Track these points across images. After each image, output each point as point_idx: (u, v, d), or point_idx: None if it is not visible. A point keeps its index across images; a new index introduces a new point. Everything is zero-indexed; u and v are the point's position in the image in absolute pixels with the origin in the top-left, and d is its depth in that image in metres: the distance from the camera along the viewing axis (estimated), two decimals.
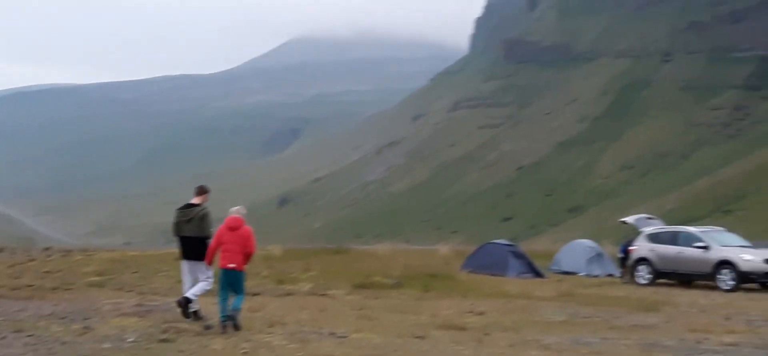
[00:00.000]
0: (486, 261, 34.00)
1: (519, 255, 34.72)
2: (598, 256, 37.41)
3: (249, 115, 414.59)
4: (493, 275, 31.81)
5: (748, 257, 29.11)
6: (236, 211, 15.53)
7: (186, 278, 16.41)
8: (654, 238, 31.98)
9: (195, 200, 16.27)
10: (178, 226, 16.27)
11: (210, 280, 16.18)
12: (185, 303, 15.98)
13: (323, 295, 22.62)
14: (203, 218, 15.98)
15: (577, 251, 38.02)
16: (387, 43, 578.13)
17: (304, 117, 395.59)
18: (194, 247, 15.98)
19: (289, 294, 22.51)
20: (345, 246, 44.55)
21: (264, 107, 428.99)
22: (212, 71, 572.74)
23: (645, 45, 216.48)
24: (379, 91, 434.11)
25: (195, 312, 16.13)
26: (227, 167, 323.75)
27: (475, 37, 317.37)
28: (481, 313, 19.60)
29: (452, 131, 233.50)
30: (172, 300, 19.64)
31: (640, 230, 33.35)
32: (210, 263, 15.64)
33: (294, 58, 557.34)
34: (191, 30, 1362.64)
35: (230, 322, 15.19)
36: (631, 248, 32.66)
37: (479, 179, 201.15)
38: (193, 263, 16.18)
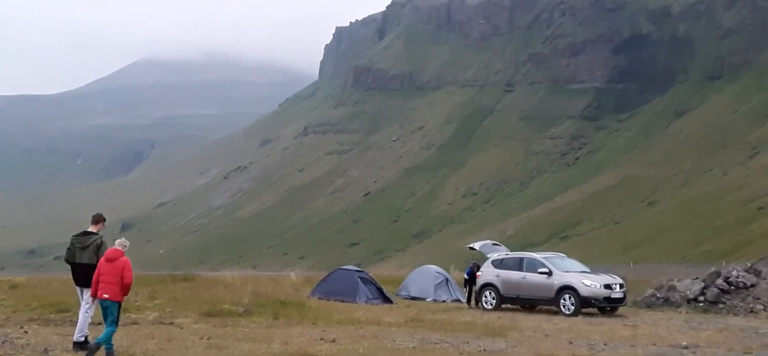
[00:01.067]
0: (335, 287, 33.90)
1: (368, 281, 34.78)
2: (446, 281, 37.92)
3: (91, 137, 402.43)
4: (342, 301, 31.78)
5: (589, 283, 30.13)
6: (119, 243, 15.77)
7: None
8: (499, 264, 32.69)
9: (91, 229, 16.94)
10: (73, 252, 16.58)
11: (89, 311, 16.34)
12: (79, 346, 16.09)
13: (170, 324, 21.98)
14: (99, 247, 16.49)
15: (424, 276, 38.43)
16: (235, 66, 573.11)
17: (148, 140, 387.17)
18: (90, 274, 16.10)
19: (134, 323, 21.77)
20: (191, 273, 43.64)
21: (107, 129, 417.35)
22: (54, 92, 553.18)
23: (488, 75, 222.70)
24: (226, 115, 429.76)
25: (84, 342, 16.11)
26: (66, 190, 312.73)
27: (324, 64, 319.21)
28: (332, 340, 19.51)
29: (300, 157, 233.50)
30: (9, 330, 18.75)
31: (486, 256, 34.04)
32: (95, 295, 15.73)
33: (139, 80, 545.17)
34: (32, 48, 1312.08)
35: (93, 348, 15.20)
36: (477, 273, 33.27)
37: (327, 204, 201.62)
38: (88, 289, 16.36)
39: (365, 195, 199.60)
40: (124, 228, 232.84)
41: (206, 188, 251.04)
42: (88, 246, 16.30)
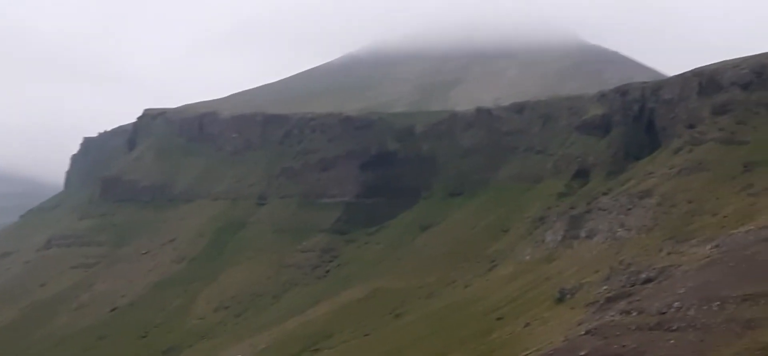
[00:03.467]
0: None
1: None
2: None
3: None
4: None
5: None
6: None
7: None
8: None
9: None
10: None
11: None
12: None
13: None
14: None
15: None
16: None
17: None
18: None
19: None
20: None
21: None
22: None
23: (241, 188, 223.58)
24: None
25: None
26: None
27: (71, 175, 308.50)
28: None
29: (43, 271, 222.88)
30: None
31: None
32: None
33: None
34: None
35: None
36: None
37: (70, 320, 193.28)
38: None
39: (112, 310, 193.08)
40: None
41: None
42: None
